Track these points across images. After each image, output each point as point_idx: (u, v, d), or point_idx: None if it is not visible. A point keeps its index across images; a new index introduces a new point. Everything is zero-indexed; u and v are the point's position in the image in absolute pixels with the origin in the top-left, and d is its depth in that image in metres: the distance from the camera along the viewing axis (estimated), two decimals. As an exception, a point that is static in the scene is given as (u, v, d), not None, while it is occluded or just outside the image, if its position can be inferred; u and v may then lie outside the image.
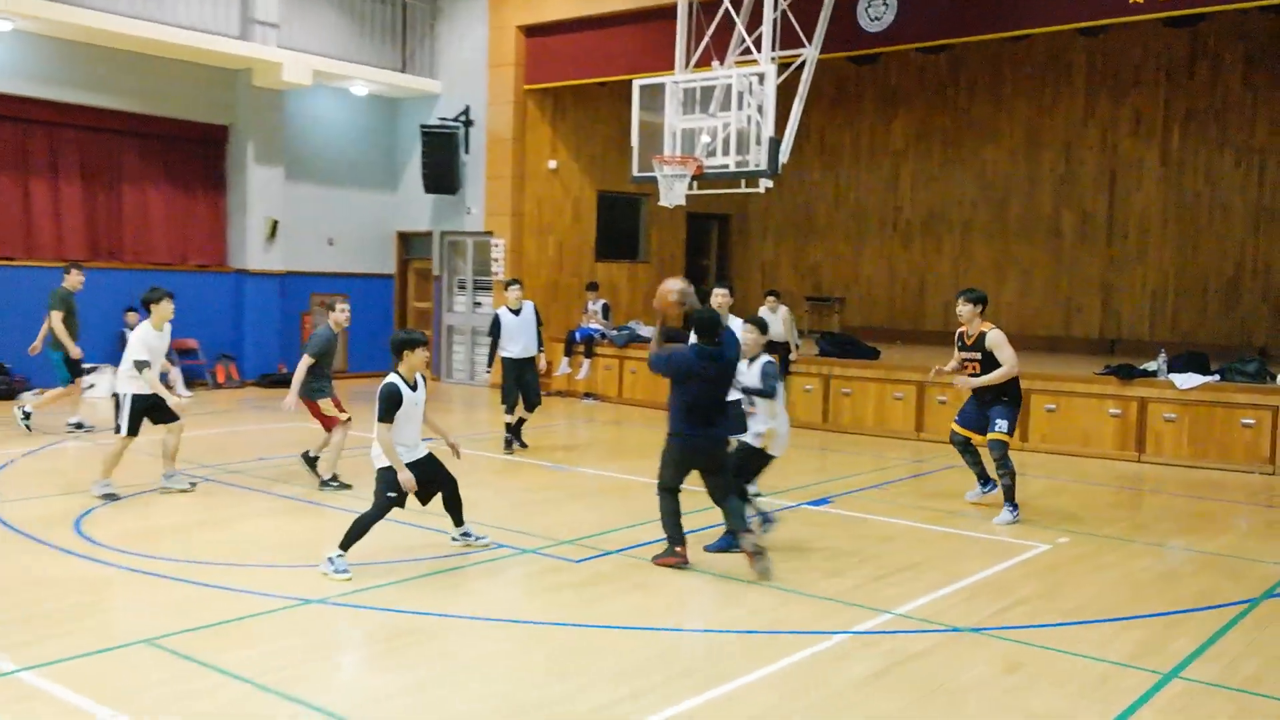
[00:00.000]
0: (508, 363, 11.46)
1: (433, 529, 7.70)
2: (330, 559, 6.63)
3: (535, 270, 17.62)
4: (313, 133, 17.83)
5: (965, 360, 8.92)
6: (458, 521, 7.36)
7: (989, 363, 8.72)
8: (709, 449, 6.86)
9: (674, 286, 7.11)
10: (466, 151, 17.77)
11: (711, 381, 6.82)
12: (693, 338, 7.15)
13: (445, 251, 18.48)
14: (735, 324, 7.59)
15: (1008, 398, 8.75)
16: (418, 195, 18.26)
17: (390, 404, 6.58)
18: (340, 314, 9.34)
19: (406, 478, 6.58)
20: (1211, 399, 11.45)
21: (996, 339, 8.73)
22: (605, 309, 16.92)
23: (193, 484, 9.10)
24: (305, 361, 9.04)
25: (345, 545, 6.61)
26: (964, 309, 8.86)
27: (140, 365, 8.46)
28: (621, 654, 5.43)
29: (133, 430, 8.59)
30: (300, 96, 17.52)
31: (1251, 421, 11.22)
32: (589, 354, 16.29)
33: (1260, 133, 16.21)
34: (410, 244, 19.11)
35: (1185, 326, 16.78)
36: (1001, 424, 8.67)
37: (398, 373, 6.73)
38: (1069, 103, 17.73)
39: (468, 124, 17.72)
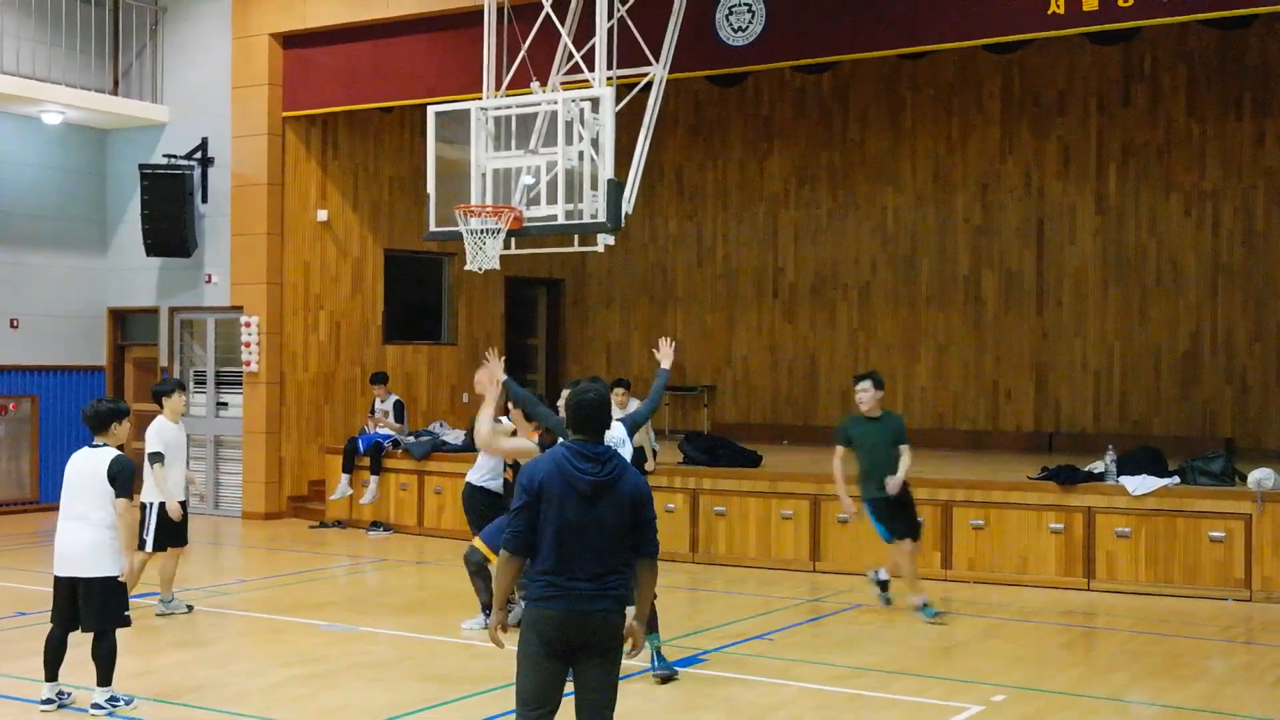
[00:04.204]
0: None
1: None
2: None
3: (301, 358, 17.31)
4: (-14, 175, 17.24)
5: None
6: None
7: None
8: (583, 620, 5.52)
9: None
10: (204, 200, 17.45)
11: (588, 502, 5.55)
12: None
13: (177, 335, 18.01)
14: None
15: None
16: (137, 259, 17.79)
17: None
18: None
19: None
20: (1172, 507, 11.96)
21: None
22: (398, 408, 16.67)
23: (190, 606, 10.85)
24: None
25: None
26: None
27: (154, 458, 10.32)
28: None
29: (159, 545, 10.51)
30: (-31, 126, 16.94)
31: (1220, 535, 11.74)
32: (376, 469, 16.02)
33: (1212, 172, 17.36)
34: (128, 325, 18.62)
35: (1135, 414, 17.62)
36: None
37: None
38: (983, 135, 18.65)
39: (205, 163, 17.43)
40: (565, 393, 7.44)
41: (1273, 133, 17.03)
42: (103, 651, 7.78)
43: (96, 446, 7.88)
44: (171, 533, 10.53)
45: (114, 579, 7.77)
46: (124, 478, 7.75)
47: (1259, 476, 11.70)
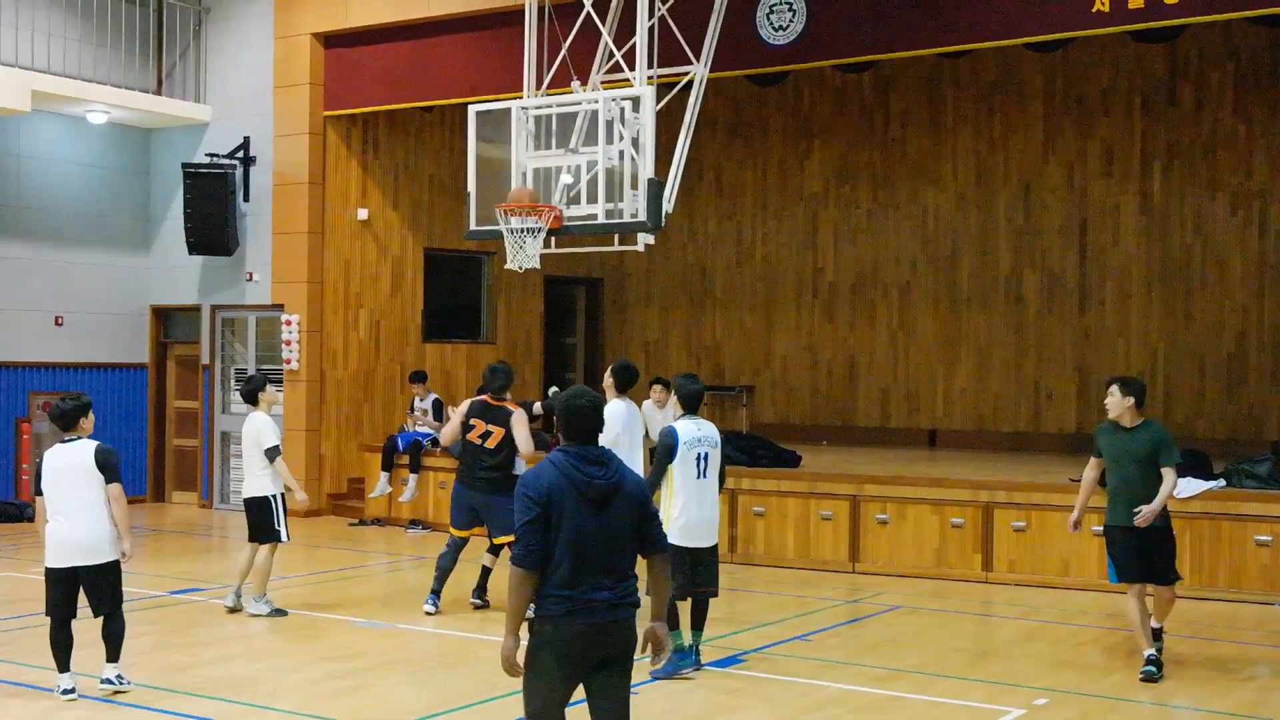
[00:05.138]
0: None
1: None
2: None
3: (340, 356, 17.39)
4: (30, 175, 17.37)
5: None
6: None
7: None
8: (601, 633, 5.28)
9: None
10: (246, 199, 17.55)
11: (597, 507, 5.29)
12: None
13: (219, 332, 18.13)
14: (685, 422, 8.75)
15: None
16: (180, 258, 17.91)
17: None
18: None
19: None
20: (1217, 510, 11.82)
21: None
22: (437, 407, 16.70)
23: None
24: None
25: None
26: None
27: (273, 452, 10.54)
28: None
29: (270, 537, 10.70)
30: (12, 126, 17.07)
31: (1267, 539, 11.59)
32: (415, 468, 16.05)
33: (1259, 172, 17.14)
34: (170, 323, 18.75)
35: (1180, 417, 17.40)
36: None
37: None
38: (1025, 135, 18.49)
39: (247, 162, 17.53)
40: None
41: (1321, 132, 16.83)
42: (114, 631, 8.14)
43: (68, 441, 8.13)
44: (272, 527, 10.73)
45: (115, 563, 8.10)
46: (113, 464, 8.07)
47: (1306, 480, 11.51)
